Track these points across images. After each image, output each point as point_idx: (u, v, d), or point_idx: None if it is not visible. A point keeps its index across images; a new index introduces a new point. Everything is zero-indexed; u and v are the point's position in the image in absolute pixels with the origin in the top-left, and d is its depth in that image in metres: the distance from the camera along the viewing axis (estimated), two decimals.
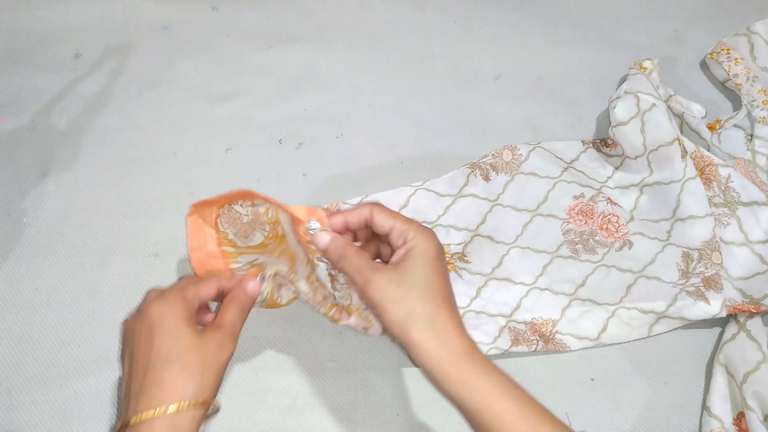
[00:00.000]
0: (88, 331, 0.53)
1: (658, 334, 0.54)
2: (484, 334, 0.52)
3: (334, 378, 0.52)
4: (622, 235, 0.57)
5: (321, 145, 0.62)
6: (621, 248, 0.56)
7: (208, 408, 0.38)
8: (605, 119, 0.64)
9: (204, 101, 0.63)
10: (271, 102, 0.64)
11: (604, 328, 0.53)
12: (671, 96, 0.62)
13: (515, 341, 0.52)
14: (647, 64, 0.63)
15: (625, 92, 0.59)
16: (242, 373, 0.52)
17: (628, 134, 0.59)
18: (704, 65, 0.69)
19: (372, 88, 0.65)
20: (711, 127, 0.62)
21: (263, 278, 0.45)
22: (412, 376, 0.52)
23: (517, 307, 0.54)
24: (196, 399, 0.37)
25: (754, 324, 0.53)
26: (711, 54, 0.67)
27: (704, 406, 0.51)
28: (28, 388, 0.50)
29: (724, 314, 0.52)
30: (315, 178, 0.60)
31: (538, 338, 0.52)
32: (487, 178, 0.59)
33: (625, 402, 0.52)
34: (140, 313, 0.39)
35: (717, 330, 0.55)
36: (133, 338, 0.39)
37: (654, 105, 0.58)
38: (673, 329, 0.54)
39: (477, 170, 0.59)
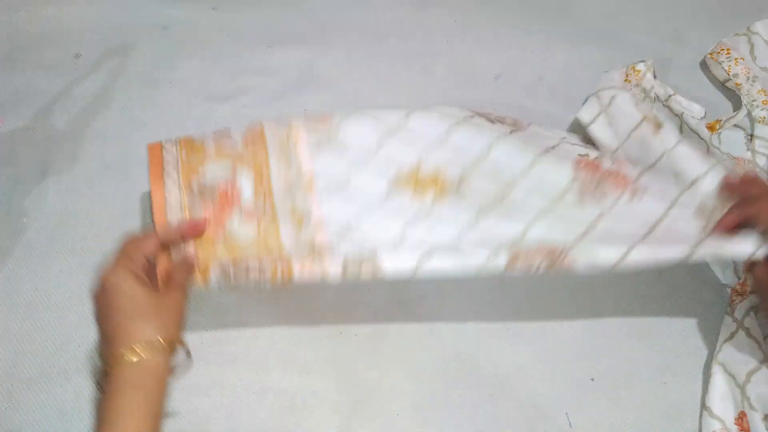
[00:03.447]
0: (88, 331, 0.53)
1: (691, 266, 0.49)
2: (477, 255, 0.47)
3: (334, 378, 0.52)
4: (631, 186, 0.51)
5: None
6: (631, 198, 0.51)
7: (174, 347, 0.40)
8: None
9: (204, 101, 0.63)
10: (271, 102, 0.64)
11: (628, 253, 0.46)
12: (670, 96, 0.62)
13: (513, 260, 0.46)
14: (641, 66, 0.63)
15: (589, 96, 0.60)
16: (242, 373, 0.52)
17: (599, 132, 0.58)
18: (704, 65, 0.69)
19: (372, 88, 0.65)
20: (711, 127, 0.62)
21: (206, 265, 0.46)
22: (412, 376, 0.52)
23: (522, 238, 0.49)
24: (158, 337, 0.39)
25: (752, 322, 0.53)
26: (711, 54, 0.67)
27: (704, 407, 0.51)
28: (28, 388, 0.50)
29: (764, 252, 0.46)
30: None
31: (542, 259, 0.47)
32: (493, 122, 0.54)
33: (625, 402, 0.52)
34: (98, 284, 0.42)
35: (716, 329, 0.55)
36: (98, 308, 0.42)
37: (613, 97, 0.57)
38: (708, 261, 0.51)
39: (482, 116, 0.55)
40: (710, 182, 0.51)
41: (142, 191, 0.59)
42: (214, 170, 0.49)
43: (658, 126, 0.54)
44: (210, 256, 0.46)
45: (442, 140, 0.52)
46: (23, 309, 0.53)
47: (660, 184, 0.52)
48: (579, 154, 0.54)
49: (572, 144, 0.56)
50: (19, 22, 0.66)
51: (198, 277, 0.46)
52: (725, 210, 0.49)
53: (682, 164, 0.53)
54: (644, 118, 0.55)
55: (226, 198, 0.48)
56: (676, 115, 0.61)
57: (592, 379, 0.53)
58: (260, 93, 0.64)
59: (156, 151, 0.50)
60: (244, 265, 0.46)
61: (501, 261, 0.46)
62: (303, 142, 0.51)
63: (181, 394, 0.51)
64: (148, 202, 0.51)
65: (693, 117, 0.60)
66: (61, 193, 0.58)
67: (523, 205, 0.50)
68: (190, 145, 0.50)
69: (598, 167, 0.53)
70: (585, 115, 0.59)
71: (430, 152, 0.52)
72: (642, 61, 0.63)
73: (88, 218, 0.57)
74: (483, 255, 0.47)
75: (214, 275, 0.46)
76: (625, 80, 0.62)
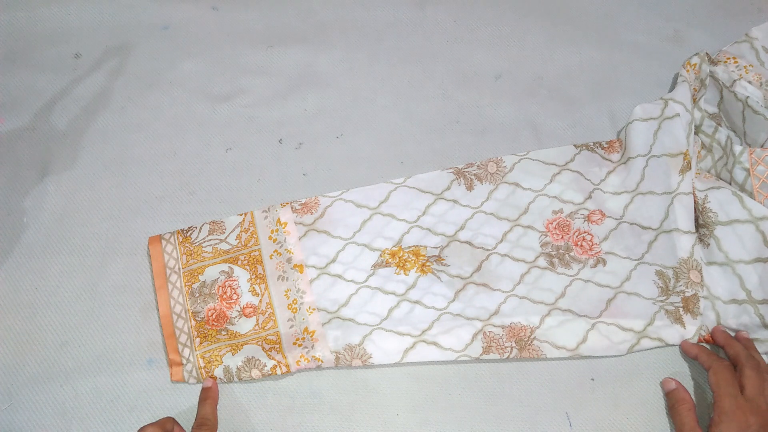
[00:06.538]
0: (88, 331, 0.53)
1: (637, 351, 0.53)
2: (456, 340, 0.52)
3: (334, 378, 0.52)
4: (595, 254, 0.57)
5: (321, 145, 0.62)
6: (595, 265, 0.56)
7: None
8: (605, 119, 0.64)
9: (204, 101, 0.64)
10: (271, 102, 0.64)
11: (584, 340, 0.53)
12: (735, 81, 0.60)
13: (487, 348, 0.52)
14: (695, 59, 0.62)
15: (661, 98, 0.60)
16: None
17: (642, 131, 0.59)
18: None
19: (372, 88, 0.65)
20: None
21: (220, 371, 0.51)
22: (412, 376, 0.52)
23: (496, 312, 0.54)
24: None
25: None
26: (717, 63, 0.66)
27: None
28: (28, 388, 0.51)
29: (696, 340, 0.53)
30: (315, 178, 0.60)
31: (513, 344, 0.52)
32: (470, 188, 0.59)
33: (625, 402, 0.52)
34: None
35: None
36: None
37: (678, 115, 0.58)
38: (651, 348, 0.53)
39: (461, 178, 0.59)
40: (682, 243, 0.55)
41: (141, 191, 0.59)
42: (212, 273, 0.54)
43: (688, 167, 0.57)
44: (215, 359, 0.51)
45: (421, 215, 0.57)
46: (23, 309, 0.53)
47: (629, 239, 0.57)
48: (553, 211, 0.58)
49: (550, 197, 0.59)
50: (19, 22, 0.66)
51: (203, 376, 0.51)
52: (689, 280, 0.54)
53: (679, 208, 0.56)
54: (683, 153, 0.57)
55: (226, 298, 0.53)
56: (739, 100, 0.59)
57: (592, 379, 0.53)
58: (260, 93, 0.64)
59: (157, 251, 0.55)
60: (246, 366, 0.51)
61: (476, 349, 0.52)
62: (292, 229, 0.56)
63: (182, 395, 0.51)
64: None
65: (756, 101, 0.59)
66: (61, 193, 0.58)
67: (499, 271, 0.56)
68: (189, 250, 0.55)
69: (569, 228, 0.57)
70: (641, 111, 0.60)
71: (411, 228, 0.57)
72: (695, 54, 0.63)
73: (88, 218, 0.57)
74: (459, 346, 0.52)
75: (218, 376, 0.51)
76: (687, 72, 0.63)
